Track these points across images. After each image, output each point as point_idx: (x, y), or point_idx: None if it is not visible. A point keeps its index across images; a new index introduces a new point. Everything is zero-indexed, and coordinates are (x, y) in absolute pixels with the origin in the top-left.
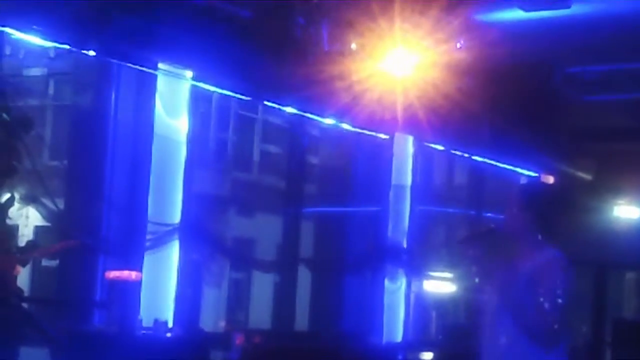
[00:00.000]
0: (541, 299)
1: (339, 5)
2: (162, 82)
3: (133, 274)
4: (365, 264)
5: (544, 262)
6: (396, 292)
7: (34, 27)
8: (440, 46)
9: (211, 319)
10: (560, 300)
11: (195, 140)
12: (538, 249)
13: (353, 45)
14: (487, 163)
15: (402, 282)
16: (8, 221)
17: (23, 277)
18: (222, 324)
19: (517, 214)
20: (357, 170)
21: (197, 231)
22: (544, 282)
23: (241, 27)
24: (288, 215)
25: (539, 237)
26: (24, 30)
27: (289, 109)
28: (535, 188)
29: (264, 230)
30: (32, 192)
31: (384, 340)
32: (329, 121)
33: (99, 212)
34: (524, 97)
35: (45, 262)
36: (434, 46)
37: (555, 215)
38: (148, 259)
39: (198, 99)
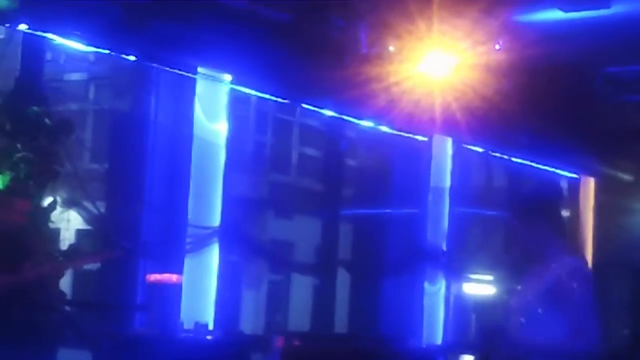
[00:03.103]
0: (564, 308)
1: (377, 7)
2: (201, 86)
3: (174, 277)
4: (404, 266)
5: (567, 270)
6: (436, 294)
7: (75, 32)
8: (479, 48)
9: (251, 321)
10: (583, 308)
11: (234, 143)
12: (560, 255)
13: (391, 48)
14: (526, 165)
15: (442, 284)
16: (50, 225)
17: (65, 280)
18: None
19: (533, 220)
20: (396, 173)
21: (237, 234)
22: (566, 291)
23: (279, 30)
24: (327, 217)
25: (560, 241)
26: (64, 35)
27: (327, 112)
28: (541, 191)
29: (303, 233)
30: (74, 196)
31: (424, 342)
32: (367, 124)
33: (139, 215)
34: (563, 98)
35: (86, 266)
36: (472, 48)
37: (571, 216)
38: (188, 261)
39: (237, 103)
